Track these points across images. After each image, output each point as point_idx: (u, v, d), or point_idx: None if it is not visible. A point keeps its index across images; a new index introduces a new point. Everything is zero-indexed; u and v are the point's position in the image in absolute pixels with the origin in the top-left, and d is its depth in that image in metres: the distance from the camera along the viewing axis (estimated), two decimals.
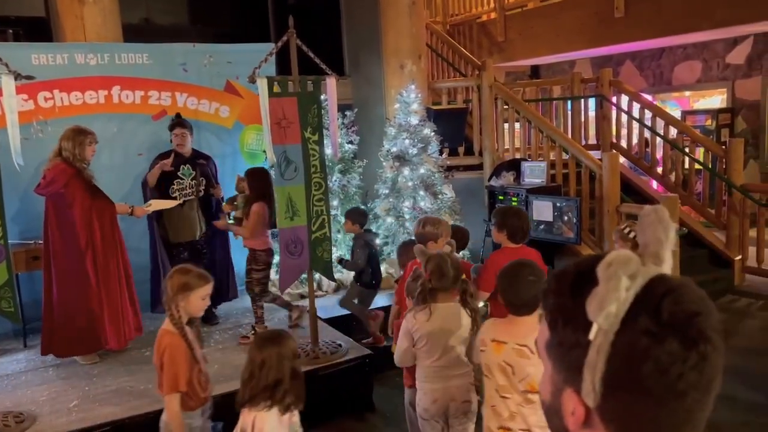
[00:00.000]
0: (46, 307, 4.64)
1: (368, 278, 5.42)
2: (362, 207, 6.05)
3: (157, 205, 5.02)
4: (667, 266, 0.78)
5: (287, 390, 2.58)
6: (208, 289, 3.03)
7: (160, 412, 3.89)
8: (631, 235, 4.33)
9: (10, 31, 6.99)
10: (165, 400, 2.94)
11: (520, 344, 2.59)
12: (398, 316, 4.26)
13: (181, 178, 5.26)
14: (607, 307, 0.73)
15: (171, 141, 5.34)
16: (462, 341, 3.12)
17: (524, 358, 2.59)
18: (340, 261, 5.49)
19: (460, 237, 4.28)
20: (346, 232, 5.98)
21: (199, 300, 2.99)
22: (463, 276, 3.20)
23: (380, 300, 5.69)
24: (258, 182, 4.99)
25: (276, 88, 4.33)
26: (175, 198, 5.22)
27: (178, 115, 5.47)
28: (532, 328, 2.50)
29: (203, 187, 5.38)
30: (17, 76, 3.87)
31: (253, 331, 5.02)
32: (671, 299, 0.74)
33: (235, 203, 5.19)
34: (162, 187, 5.22)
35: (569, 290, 0.79)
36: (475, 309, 3.17)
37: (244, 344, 4.87)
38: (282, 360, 2.60)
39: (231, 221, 5.24)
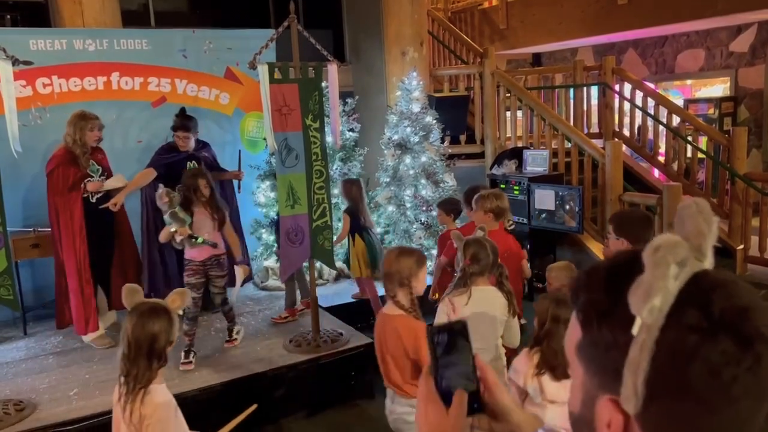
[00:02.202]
0: None
1: None
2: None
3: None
4: (708, 263, 0.70)
5: None
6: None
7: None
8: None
9: (8, 16, 6.94)
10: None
11: None
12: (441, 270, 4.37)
13: None
14: (654, 298, 0.64)
15: (173, 137, 5.17)
16: (500, 324, 3.19)
17: None
18: None
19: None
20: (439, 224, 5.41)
21: (424, 276, 3.00)
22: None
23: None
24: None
25: (277, 75, 4.28)
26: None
27: (182, 112, 5.18)
28: None
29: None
30: (15, 62, 3.82)
31: (234, 337, 4.80)
32: (721, 293, 0.66)
33: (180, 216, 4.34)
34: (170, 185, 5.07)
35: (603, 285, 0.71)
36: (511, 291, 3.26)
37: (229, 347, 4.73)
38: None
39: (199, 240, 4.36)
